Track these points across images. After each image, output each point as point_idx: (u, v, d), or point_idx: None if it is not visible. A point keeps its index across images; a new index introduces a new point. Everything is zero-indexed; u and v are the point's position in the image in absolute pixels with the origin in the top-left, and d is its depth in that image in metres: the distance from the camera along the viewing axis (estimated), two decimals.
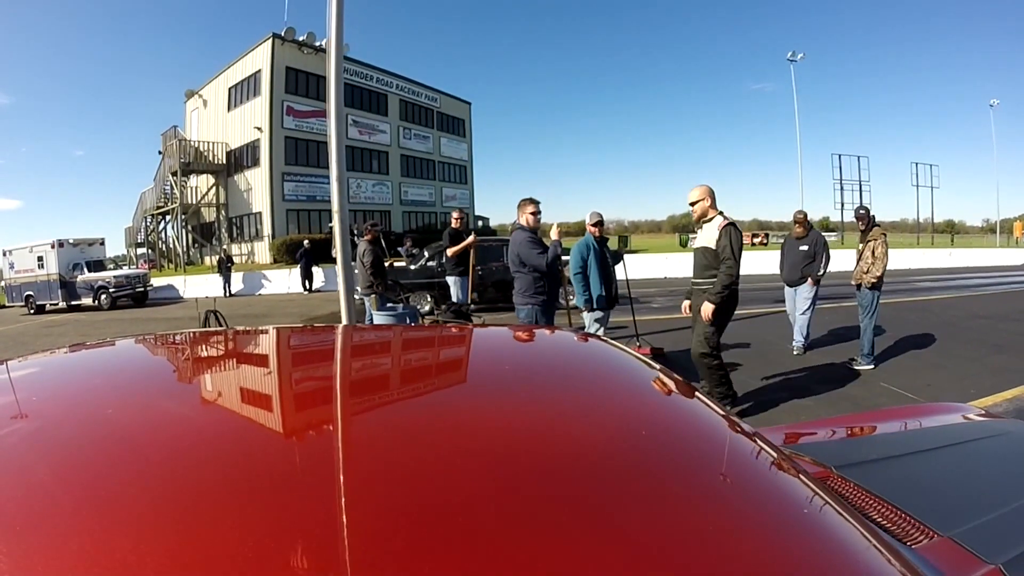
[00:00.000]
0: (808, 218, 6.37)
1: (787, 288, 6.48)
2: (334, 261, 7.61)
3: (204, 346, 1.17)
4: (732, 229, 3.81)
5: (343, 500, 0.48)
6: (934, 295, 12.36)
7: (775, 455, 0.72)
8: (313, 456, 0.58)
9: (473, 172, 41.72)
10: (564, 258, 4.87)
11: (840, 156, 43.18)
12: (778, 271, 6.76)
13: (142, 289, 19.19)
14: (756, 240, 43.12)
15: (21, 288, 20.05)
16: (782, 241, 7.09)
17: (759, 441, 0.74)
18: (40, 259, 19.47)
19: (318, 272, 18.39)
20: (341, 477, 0.52)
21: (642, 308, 11.15)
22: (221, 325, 7.22)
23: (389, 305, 6.58)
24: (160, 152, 29.76)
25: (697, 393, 0.87)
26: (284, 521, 0.45)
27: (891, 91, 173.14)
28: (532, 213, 4.51)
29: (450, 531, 0.46)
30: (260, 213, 27.31)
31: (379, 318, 6.16)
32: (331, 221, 6.36)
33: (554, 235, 4.51)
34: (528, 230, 4.47)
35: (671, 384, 0.90)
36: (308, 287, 18.53)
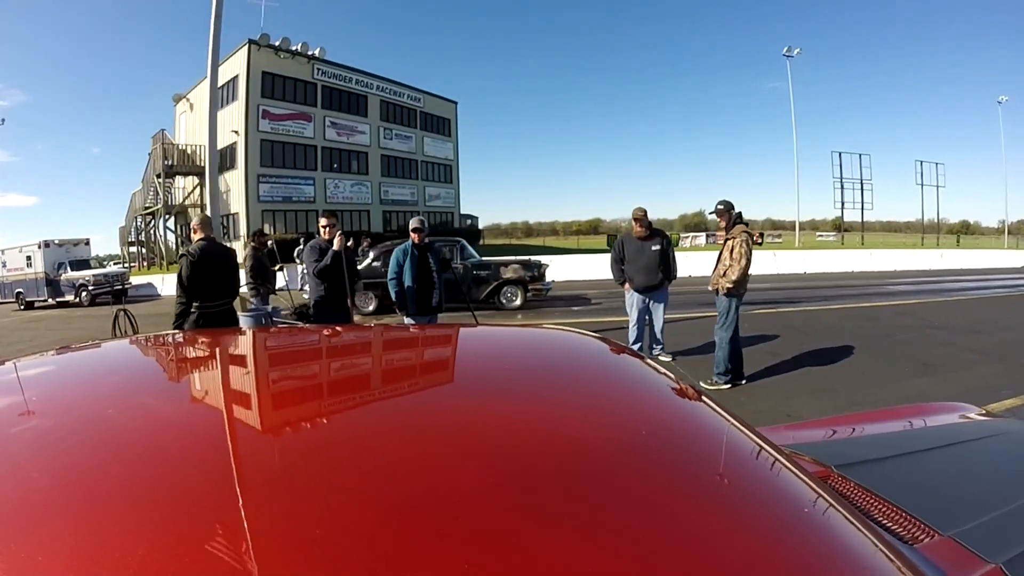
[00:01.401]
0: (648, 215, 5.76)
1: (636, 295, 5.74)
2: (294, 261, 7.66)
3: (184, 348, 1.17)
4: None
5: (339, 499, 0.49)
6: (896, 300, 11.47)
7: (775, 454, 0.71)
8: (308, 455, 0.58)
9: (459, 171, 42.59)
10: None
11: (840, 154, 41.78)
12: (612, 275, 6.09)
13: (120, 287, 19.88)
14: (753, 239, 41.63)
15: (12, 285, 21.21)
16: (618, 241, 6.25)
17: (759, 440, 0.74)
18: (29, 258, 20.56)
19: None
20: (336, 477, 0.53)
21: (563, 311, 10.55)
22: (131, 325, 7.92)
23: (252, 308, 7.12)
24: (149, 154, 31.00)
25: (697, 392, 0.86)
26: (279, 520, 0.46)
27: (903, 88, 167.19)
28: (322, 226, 5.11)
29: (446, 530, 0.46)
30: (237, 214, 28.56)
31: (241, 320, 6.55)
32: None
33: (336, 244, 4.94)
34: (320, 240, 5.07)
35: (670, 383, 0.89)
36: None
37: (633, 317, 5.83)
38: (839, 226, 44.75)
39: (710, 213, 5.40)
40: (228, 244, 7.87)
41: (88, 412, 0.72)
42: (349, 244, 8.10)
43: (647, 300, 5.72)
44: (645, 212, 5.67)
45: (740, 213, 5.18)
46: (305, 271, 5.41)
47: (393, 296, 5.06)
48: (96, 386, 0.86)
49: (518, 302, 9.98)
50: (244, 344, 1.19)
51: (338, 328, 1.30)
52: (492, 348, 1.11)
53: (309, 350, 1.14)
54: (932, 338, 7.23)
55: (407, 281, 4.95)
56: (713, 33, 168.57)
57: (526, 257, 11.86)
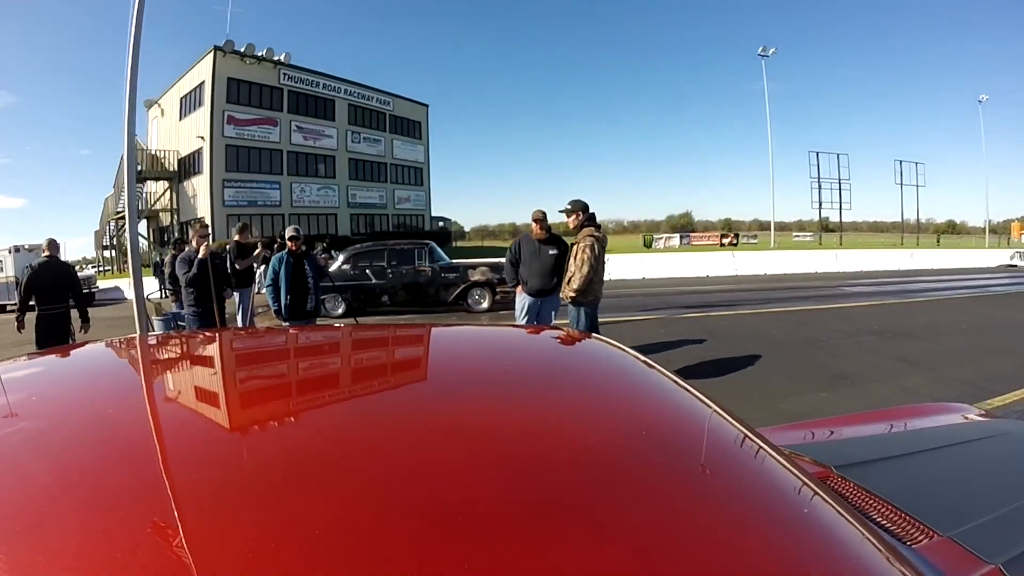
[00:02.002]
0: (547, 217, 5.47)
1: (528, 298, 5.39)
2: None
3: (167, 351, 1.18)
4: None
5: (340, 500, 0.49)
6: (844, 303, 10.79)
7: (775, 455, 0.71)
8: (305, 457, 0.58)
9: (430, 174, 43.16)
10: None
11: (818, 154, 41.54)
12: (505, 276, 5.77)
13: (87, 291, 19.93)
14: (726, 240, 41.48)
15: None
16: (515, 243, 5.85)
17: (759, 441, 0.73)
18: (0, 263, 20.24)
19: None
20: (335, 478, 0.54)
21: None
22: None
23: (165, 314, 7.35)
24: (121, 158, 30.98)
25: (696, 392, 0.86)
26: (274, 521, 0.46)
27: (897, 88, 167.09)
28: (196, 238, 5.72)
29: (449, 531, 0.46)
30: (203, 218, 29.13)
31: (155, 324, 6.98)
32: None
33: (201, 253, 5.50)
34: (191, 251, 5.73)
35: (670, 383, 0.89)
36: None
37: (521, 322, 5.48)
38: (826, 226, 44.64)
39: (560, 211, 5.12)
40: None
41: (66, 415, 0.71)
42: (258, 253, 7.92)
43: (539, 305, 5.39)
44: (545, 214, 5.42)
45: (593, 215, 4.93)
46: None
47: (270, 302, 5.34)
48: (75, 389, 0.85)
49: (485, 304, 9.89)
50: (232, 345, 1.19)
51: (328, 329, 1.29)
52: (490, 348, 1.10)
53: (299, 351, 1.13)
54: (861, 345, 6.67)
55: (283, 288, 5.22)
56: (705, 32, 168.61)
57: (495, 260, 11.76)
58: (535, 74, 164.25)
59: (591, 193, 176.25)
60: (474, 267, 10.18)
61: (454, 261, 10.84)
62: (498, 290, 9.95)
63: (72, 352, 1.17)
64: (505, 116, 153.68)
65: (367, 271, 9.67)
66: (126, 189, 6.87)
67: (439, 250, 10.71)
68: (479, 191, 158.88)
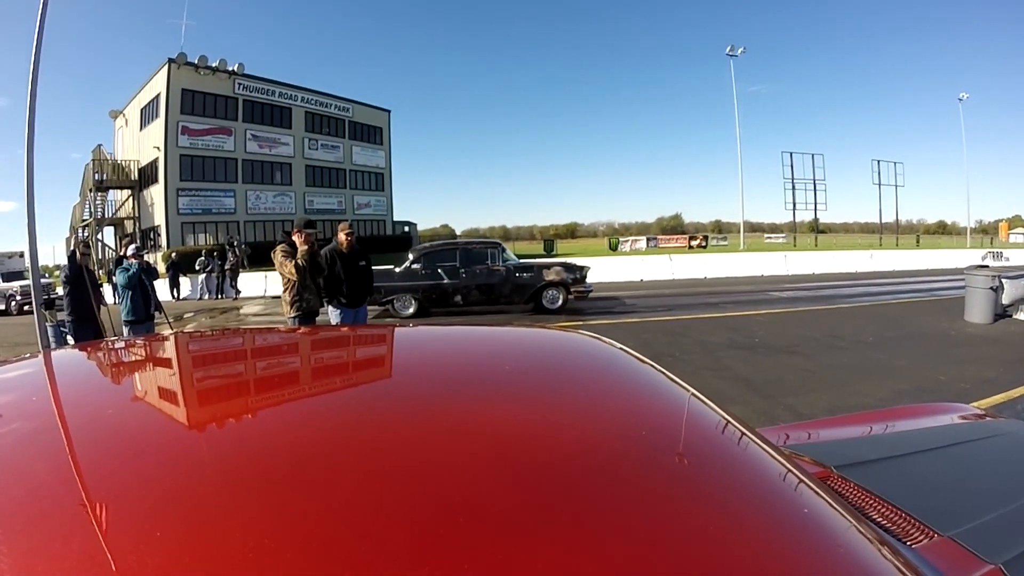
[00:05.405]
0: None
1: (343, 310, 5.83)
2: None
3: (169, 349, 1.19)
4: None
5: (339, 502, 0.50)
6: (748, 310, 10.32)
7: (775, 455, 0.72)
8: (302, 458, 0.59)
9: (392, 179, 44.82)
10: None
11: (792, 154, 42.19)
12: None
13: (46, 297, 21.11)
14: (694, 243, 42.30)
15: None
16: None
17: (759, 441, 0.75)
18: None
19: (185, 281, 21.10)
20: (335, 479, 0.55)
21: (601, 312, 10.73)
22: None
23: (53, 323, 7.84)
24: (86, 167, 33.11)
25: (694, 391, 0.87)
26: (269, 521, 0.47)
27: (891, 88, 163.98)
28: (80, 255, 6.64)
29: (448, 533, 0.47)
30: (159, 226, 31.02)
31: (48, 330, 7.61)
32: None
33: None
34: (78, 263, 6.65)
35: (669, 383, 0.90)
36: (176, 295, 20.21)
37: None
38: (811, 227, 45.17)
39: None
40: (154, 254, 8.46)
41: (53, 417, 0.72)
42: (144, 259, 8.95)
43: (353, 315, 5.82)
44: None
45: (291, 230, 5.21)
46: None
47: (122, 307, 6.40)
48: (65, 391, 0.86)
49: (560, 303, 10.41)
50: (226, 345, 1.24)
51: (324, 329, 1.26)
52: (488, 349, 1.10)
53: (294, 350, 1.15)
54: (716, 360, 6.07)
55: (137, 294, 6.42)
56: (699, 35, 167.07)
57: (568, 260, 12.58)
58: (532, 77, 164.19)
59: (586, 196, 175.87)
60: (548, 267, 10.59)
61: (525, 261, 11.49)
62: (572, 290, 10.42)
63: (65, 355, 1.16)
64: (499, 122, 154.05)
65: (439, 271, 9.93)
66: (26, 210, 7.58)
67: (509, 251, 11.26)
68: (476, 194, 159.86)
